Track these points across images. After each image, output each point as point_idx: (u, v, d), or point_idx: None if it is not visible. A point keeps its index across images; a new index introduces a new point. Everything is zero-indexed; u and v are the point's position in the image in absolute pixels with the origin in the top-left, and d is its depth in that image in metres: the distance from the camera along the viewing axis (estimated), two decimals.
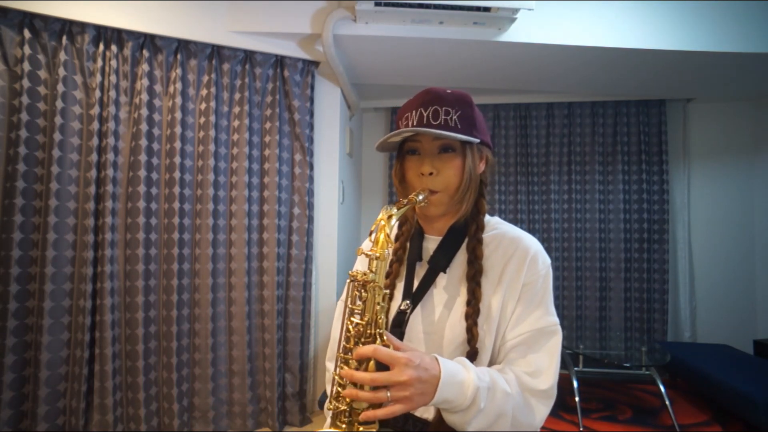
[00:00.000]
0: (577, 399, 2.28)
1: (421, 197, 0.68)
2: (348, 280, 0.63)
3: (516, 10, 1.91)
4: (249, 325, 2.22)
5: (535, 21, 2.12)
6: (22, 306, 1.80)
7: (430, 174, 0.70)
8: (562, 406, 2.46)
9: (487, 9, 1.90)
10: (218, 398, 2.17)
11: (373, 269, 0.61)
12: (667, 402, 2.23)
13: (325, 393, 0.86)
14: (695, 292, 3.15)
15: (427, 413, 0.70)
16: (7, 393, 1.76)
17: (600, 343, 2.76)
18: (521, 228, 0.78)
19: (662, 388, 2.24)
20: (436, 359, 0.59)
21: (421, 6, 1.90)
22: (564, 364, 2.57)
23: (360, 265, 0.85)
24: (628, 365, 2.29)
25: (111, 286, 1.93)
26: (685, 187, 3.18)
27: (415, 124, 0.70)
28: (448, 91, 0.71)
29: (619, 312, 3.12)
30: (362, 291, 0.61)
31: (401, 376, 0.54)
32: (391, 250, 0.63)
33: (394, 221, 0.64)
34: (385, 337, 0.60)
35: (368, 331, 0.60)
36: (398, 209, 0.65)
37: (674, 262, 3.15)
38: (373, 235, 0.63)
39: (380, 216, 0.63)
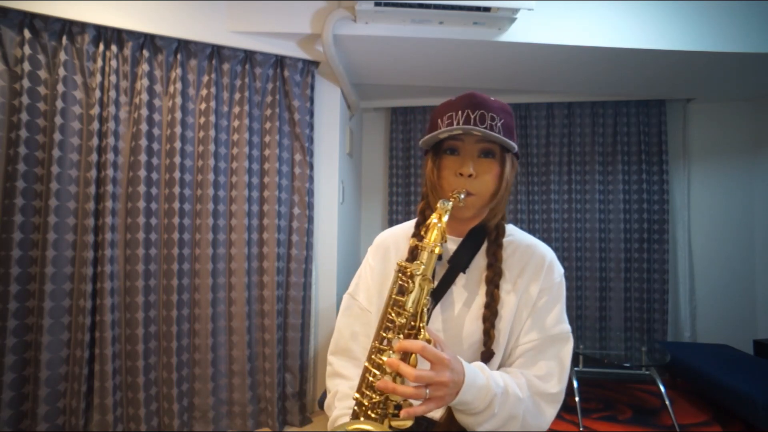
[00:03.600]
0: (577, 399, 2.28)
1: (462, 196, 0.69)
2: (396, 269, 0.63)
3: (516, 10, 1.91)
4: (249, 325, 2.22)
5: (535, 21, 2.12)
6: (22, 306, 1.80)
7: (470, 176, 0.70)
8: (563, 406, 2.45)
9: (487, 9, 1.90)
10: (218, 398, 2.17)
11: (424, 261, 0.60)
12: (667, 402, 2.23)
13: (325, 393, 0.86)
14: (695, 292, 3.15)
15: (436, 412, 0.71)
16: (7, 393, 1.76)
17: (600, 343, 2.75)
18: (521, 228, 0.80)
19: (662, 388, 2.24)
20: (461, 362, 0.60)
21: (421, 6, 1.90)
22: None
23: (374, 265, 0.84)
24: (628, 365, 2.29)
25: (111, 286, 1.93)
26: (685, 187, 3.18)
27: (461, 124, 0.70)
28: (493, 99, 0.73)
29: (619, 312, 3.12)
30: (409, 282, 0.60)
31: (442, 376, 0.55)
32: (442, 245, 0.63)
33: (446, 218, 0.64)
34: (427, 333, 0.60)
35: (412, 323, 0.60)
36: (447, 209, 0.65)
37: (674, 262, 3.15)
38: (429, 229, 0.63)
39: (438, 207, 0.64)
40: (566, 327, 0.72)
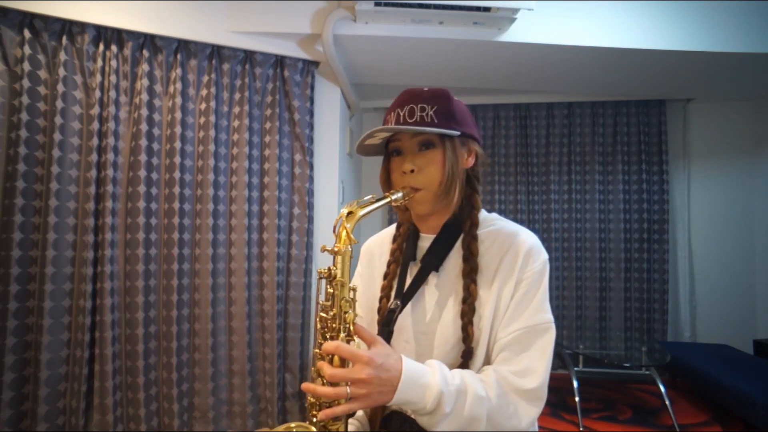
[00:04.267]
0: (577, 399, 2.28)
1: (397, 195, 0.68)
2: (317, 278, 0.65)
3: (516, 10, 1.91)
4: (249, 325, 2.22)
5: (535, 21, 2.12)
6: (22, 306, 1.80)
7: (411, 171, 0.69)
8: (562, 406, 2.46)
9: (487, 9, 1.90)
10: (218, 398, 2.17)
11: (336, 265, 0.62)
12: (667, 402, 2.23)
13: None
14: (695, 292, 3.15)
15: None
16: (7, 393, 1.76)
17: (600, 343, 2.76)
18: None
19: (662, 388, 2.24)
20: (401, 360, 0.59)
21: (421, 6, 1.90)
22: (564, 364, 2.57)
23: (362, 271, 0.86)
24: (628, 365, 2.30)
25: (111, 286, 1.93)
26: (685, 187, 3.18)
27: (392, 124, 0.70)
28: (425, 89, 0.71)
29: (619, 312, 3.12)
30: (328, 287, 0.63)
31: (360, 373, 0.54)
32: (351, 246, 0.63)
33: (363, 214, 0.64)
34: (351, 331, 0.61)
35: (333, 326, 0.62)
36: (363, 207, 0.64)
37: (674, 262, 3.15)
38: (336, 231, 0.63)
39: (341, 212, 0.64)
40: (547, 316, 0.68)
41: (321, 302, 0.64)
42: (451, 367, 0.67)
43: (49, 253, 1.82)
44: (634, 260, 3.13)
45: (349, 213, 0.63)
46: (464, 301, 0.68)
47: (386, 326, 0.72)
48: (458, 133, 0.69)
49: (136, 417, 1.98)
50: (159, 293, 2.09)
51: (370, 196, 0.67)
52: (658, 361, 2.29)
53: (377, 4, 1.88)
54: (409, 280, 0.75)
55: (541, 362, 0.65)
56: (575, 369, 2.45)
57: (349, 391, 0.55)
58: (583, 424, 2.23)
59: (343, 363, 0.58)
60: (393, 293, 0.76)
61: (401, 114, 0.70)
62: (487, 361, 0.69)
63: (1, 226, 1.77)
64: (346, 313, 0.62)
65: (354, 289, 0.64)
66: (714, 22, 2.18)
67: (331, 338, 0.61)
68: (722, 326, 3.09)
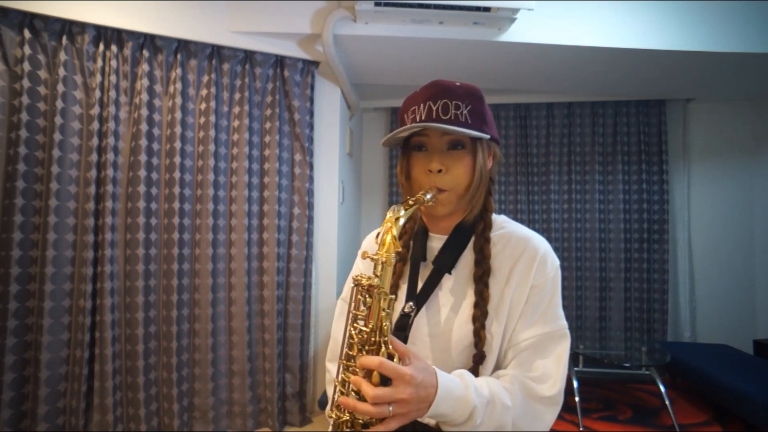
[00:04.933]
0: (577, 399, 2.28)
1: (429, 196, 0.65)
2: (351, 285, 0.61)
3: (516, 10, 1.91)
4: (249, 325, 2.22)
5: (535, 21, 2.12)
6: (22, 306, 1.80)
7: (439, 171, 0.66)
8: (563, 406, 2.45)
9: (487, 9, 1.90)
10: (218, 398, 2.17)
11: (379, 273, 0.58)
12: (667, 402, 2.23)
13: (325, 393, 0.85)
14: (695, 292, 3.15)
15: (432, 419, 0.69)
16: (7, 393, 1.76)
17: (600, 343, 2.76)
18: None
19: (662, 388, 2.24)
20: (436, 374, 0.57)
21: (421, 6, 1.90)
22: None
23: (363, 268, 0.82)
24: (628, 365, 2.30)
25: (111, 286, 1.93)
26: (685, 187, 3.18)
27: (423, 118, 0.66)
28: (458, 83, 0.68)
29: (619, 312, 3.12)
30: (367, 296, 0.58)
31: (403, 393, 0.53)
32: (395, 254, 0.60)
33: (402, 222, 0.60)
34: (390, 345, 0.57)
35: (372, 339, 0.57)
36: (405, 210, 0.61)
37: (674, 262, 3.15)
38: (380, 238, 0.59)
39: (388, 217, 0.60)
40: (562, 323, 0.67)
41: (354, 311, 0.60)
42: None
43: (49, 253, 1.82)
44: (634, 260, 3.13)
45: (396, 219, 0.60)
46: (476, 305, 0.67)
47: (401, 330, 0.70)
48: (488, 137, 0.68)
49: (136, 417, 1.98)
50: (159, 293, 2.09)
51: (405, 200, 0.64)
52: (658, 361, 2.29)
53: (377, 4, 1.88)
54: (420, 282, 0.73)
55: (558, 369, 0.65)
56: (575, 369, 2.45)
57: (391, 410, 0.52)
58: (583, 424, 2.23)
59: (384, 379, 0.55)
60: (402, 294, 0.74)
61: (434, 108, 0.66)
62: (498, 366, 0.68)
63: (1, 226, 1.78)
64: (385, 325, 0.57)
65: (393, 300, 0.59)
66: (714, 22, 2.18)
67: (369, 352, 0.57)
68: (722, 326, 3.09)
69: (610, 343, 2.79)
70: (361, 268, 0.84)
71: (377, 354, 0.57)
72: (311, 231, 2.36)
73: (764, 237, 3.04)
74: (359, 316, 0.59)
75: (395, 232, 0.59)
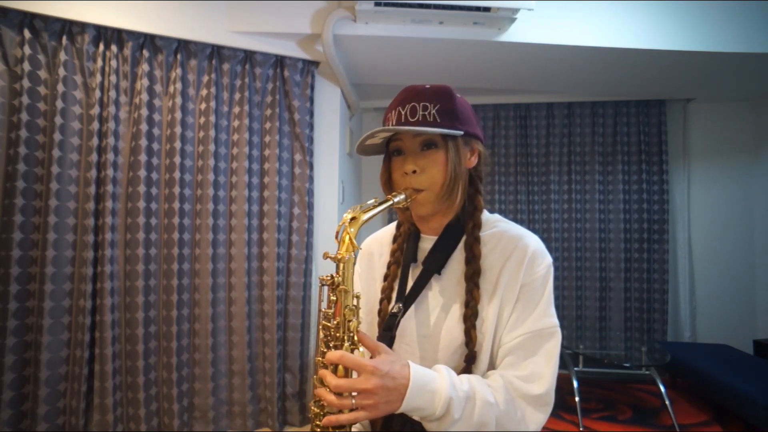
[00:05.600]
0: (577, 399, 2.28)
1: (400, 197, 0.67)
2: (319, 285, 0.63)
3: (516, 10, 1.91)
4: (249, 325, 2.22)
5: (535, 21, 2.12)
6: (22, 306, 1.80)
7: (414, 172, 0.68)
8: (562, 406, 2.46)
9: (487, 9, 1.90)
10: (218, 398, 2.17)
11: (340, 272, 0.60)
12: (667, 402, 2.23)
13: None
14: (695, 292, 3.15)
15: None
16: (7, 393, 1.76)
17: (600, 343, 2.76)
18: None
19: (662, 388, 2.24)
20: (408, 366, 0.58)
21: (421, 6, 1.90)
22: (564, 364, 2.57)
23: (360, 281, 0.84)
24: (628, 365, 2.30)
25: (111, 286, 1.93)
26: (685, 187, 3.18)
27: (394, 123, 0.69)
28: (428, 86, 0.69)
29: (619, 312, 3.12)
30: (330, 294, 0.61)
31: (366, 383, 0.54)
32: (355, 253, 0.62)
33: (366, 218, 0.62)
34: (355, 340, 0.60)
35: (337, 335, 0.60)
36: (366, 211, 0.63)
37: (674, 262, 3.15)
38: (338, 237, 0.61)
39: (344, 217, 0.62)
40: (552, 321, 0.67)
41: (323, 310, 0.62)
42: (455, 371, 0.66)
43: (49, 253, 1.82)
44: (634, 260, 3.13)
45: (353, 218, 0.61)
46: (467, 304, 0.67)
47: (388, 331, 0.70)
48: (461, 132, 0.68)
49: (136, 417, 1.98)
50: (159, 293, 2.09)
51: (372, 200, 0.65)
52: (658, 361, 2.29)
53: (377, 4, 1.88)
54: (410, 283, 0.73)
55: (548, 367, 0.64)
56: (575, 369, 2.45)
57: (354, 401, 0.54)
58: (583, 424, 2.23)
59: (348, 372, 0.57)
60: (394, 295, 0.74)
61: (402, 113, 0.68)
62: (491, 365, 0.68)
63: (1, 226, 1.77)
64: (349, 321, 0.60)
65: (358, 297, 0.62)
66: (714, 22, 2.18)
67: (335, 347, 0.60)
68: (722, 326, 3.09)
69: (610, 343, 2.79)
70: (360, 272, 0.85)
71: (341, 348, 0.59)
72: (311, 231, 2.36)
73: (764, 237, 3.04)
74: (328, 314, 0.62)
75: (351, 231, 0.61)
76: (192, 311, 2.15)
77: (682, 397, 2.63)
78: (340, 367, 0.57)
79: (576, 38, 2.16)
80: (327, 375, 0.56)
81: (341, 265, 0.60)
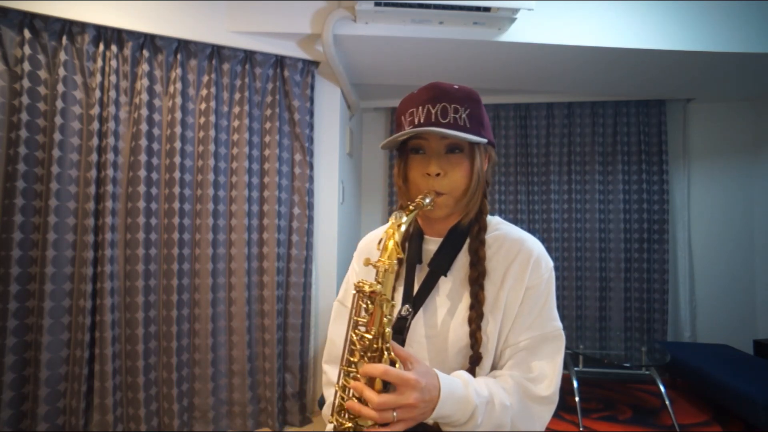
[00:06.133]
0: (577, 399, 2.28)
1: (428, 200, 0.66)
2: (353, 291, 0.60)
3: (516, 10, 1.91)
4: (249, 325, 2.22)
5: (535, 21, 2.12)
6: (22, 306, 1.80)
7: (437, 175, 0.67)
8: (562, 406, 2.46)
9: (487, 9, 1.90)
10: (218, 398, 2.17)
11: (381, 280, 0.58)
12: (667, 402, 2.23)
13: (324, 393, 0.85)
14: (695, 292, 3.15)
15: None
16: (7, 393, 1.76)
17: (600, 343, 2.76)
18: (521, 228, 0.76)
19: (662, 388, 2.24)
20: (437, 376, 0.58)
21: (421, 6, 1.90)
22: (564, 364, 2.57)
23: (360, 273, 0.83)
24: (628, 365, 2.30)
25: (111, 286, 1.93)
26: (685, 187, 3.18)
27: (422, 121, 0.66)
28: (456, 86, 0.68)
29: (619, 312, 3.12)
30: (368, 303, 0.58)
31: (409, 399, 0.53)
32: (397, 260, 0.60)
33: (404, 228, 0.61)
34: (392, 352, 0.57)
35: (375, 346, 0.57)
36: (407, 215, 0.61)
37: (674, 262, 3.15)
38: (382, 244, 0.60)
39: (390, 223, 0.60)
40: (557, 324, 0.69)
41: (355, 317, 0.60)
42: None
43: (49, 253, 1.82)
44: (634, 260, 3.13)
45: (399, 225, 0.60)
46: (472, 307, 0.67)
47: (399, 334, 0.70)
48: (486, 140, 0.68)
49: (136, 417, 1.98)
50: (159, 293, 2.09)
51: (403, 206, 0.65)
52: (658, 361, 2.29)
53: (377, 4, 1.88)
54: (416, 284, 0.73)
55: (553, 369, 0.66)
56: (575, 369, 2.45)
57: (395, 415, 0.53)
58: (583, 424, 2.23)
59: (386, 384, 0.55)
60: (398, 296, 0.74)
61: (433, 111, 0.65)
62: (494, 366, 0.69)
63: (1, 226, 1.77)
64: (387, 332, 0.57)
65: (393, 306, 0.60)
66: (714, 22, 2.18)
67: (371, 359, 0.57)
68: (722, 326, 3.09)
69: (610, 343, 2.79)
70: (358, 271, 0.85)
71: (379, 360, 0.57)
72: (311, 231, 2.36)
73: (764, 237, 3.04)
74: (360, 323, 0.59)
75: (398, 238, 0.59)
76: (192, 311, 2.15)
77: (682, 397, 2.63)
78: (378, 381, 0.55)
79: (576, 38, 2.16)
80: (366, 390, 0.54)
81: (382, 272, 0.58)
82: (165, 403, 2.07)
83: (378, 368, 0.54)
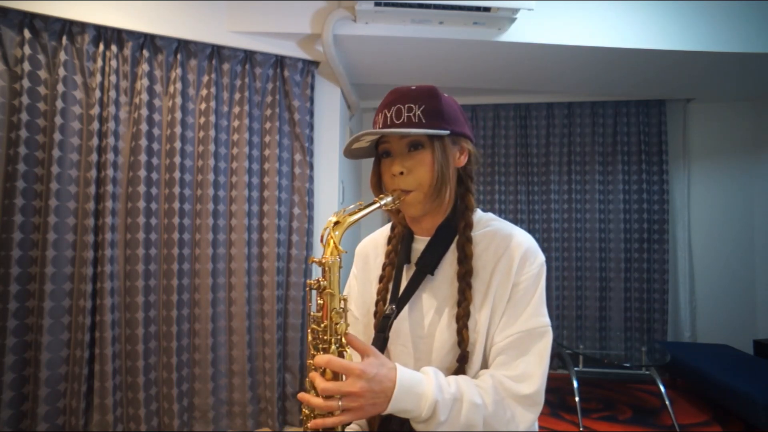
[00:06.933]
0: (577, 399, 2.28)
1: (387, 200, 0.67)
2: (307, 289, 0.64)
3: (516, 10, 1.91)
4: (249, 325, 2.22)
5: (535, 21, 2.12)
6: (22, 306, 1.80)
7: (401, 173, 0.68)
8: (562, 406, 2.46)
9: (487, 9, 1.90)
10: (218, 398, 2.17)
11: (326, 275, 0.61)
12: (667, 402, 2.23)
13: None
14: (695, 292, 3.15)
15: None
16: (7, 393, 1.76)
17: (600, 343, 2.76)
18: (521, 228, 0.75)
19: (662, 388, 2.24)
20: (395, 369, 0.58)
21: (421, 6, 1.90)
22: (564, 364, 2.57)
23: (356, 283, 0.85)
24: (628, 365, 2.30)
25: (111, 286, 1.93)
26: (685, 187, 3.18)
27: (380, 126, 0.69)
28: (413, 87, 0.69)
29: (619, 312, 3.12)
30: (318, 298, 0.62)
31: (352, 386, 0.54)
32: (340, 257, 0.62)
33: (351, 221, 0.62)
34: (342, 343, 0.60)
35: (324, 338, 0.60)
36: (352, 214, 0.63)
37: (674, 262, 3.15)
38: (323, 241, 0.62)
39: (328, 220, 0.62)
40: (544, 320, 0.66)
41: (312, 313, 0.63)
42: (448, 371, 0.66)
43: (49, 253, 1.82)
44: (634, 260, 3.13)
45: (336, 222, 0.62)
46: (459, 304, 0.67)
47: (381, 332, 0.71)
48: (446, 132, 0.67)
49: (136, 417, 1.98)
50: (159, 293, 2.09)
51: (357, 203, 0.66)
52: (658, 361, 2.29)
53: (377, 4, 1.88)
54: (404, 284, 0.73)
55: (538, 367, 0.64)
56: (575, 369, 2.45)
57: (341, 404, 0.55)
58: (583, 424, 2.23)
59: (338, 375, 0.58)
60: (389, 297, 0.75)
61: (388, 115, 0.68)
62: (484, 365, 0.68)
63: (1, 226, 1.77)
64: (337, 324, 0.61)
65: (345, 300, 0.62)
66: (714, 22, 2.18)
67: (323, 350, 0.61)
68: (722, 326, 3.09)
69: (610, 343, 2.79)
70: (356, 273, 0.86)
71: (329, 351, 0.60)
72: (311, 231, 2.36)
73: (764, 237, 3.04)
74: (317, 318, 0.62)
75: (335, 235, 0.61)
76: (192, 311, 2.15)
77: (682, 397, 2.63)
78: (328, 370, 0.57)
79: (576, 38, 2.16)
80: (316, 378, 0.57)
81: (326, 268, 0.61)
82: (165, 403, 2.07)
83: (323, 358, 0.57)
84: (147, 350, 2.03)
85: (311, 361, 0.60)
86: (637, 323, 3.09)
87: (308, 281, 0.63)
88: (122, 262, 2.00)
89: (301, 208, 2.34)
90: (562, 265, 3.19)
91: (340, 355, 0.60)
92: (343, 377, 0.57)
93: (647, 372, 2.43)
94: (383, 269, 0.78)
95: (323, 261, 0.61)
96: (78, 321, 1.89)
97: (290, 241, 2.32)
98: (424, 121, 0.66)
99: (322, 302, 0.61)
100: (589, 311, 3.16)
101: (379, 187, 0.74)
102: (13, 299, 1.77)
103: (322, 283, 0.61)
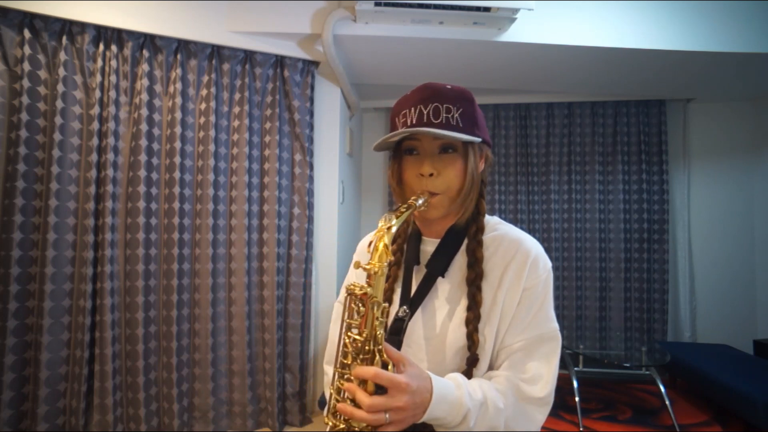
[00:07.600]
0: (577, 399, 2.28)
1: (420, 201, 0.65)
2: (344, 294, 0.61)
3: (516, 10, 1.91)
4: (249, 325, 2.22)
5: (535, 21, 2.12)
6: (22, 306, 1.80)
7: (431, 175, 0.67)
8: (562, 406, 2.46)
9: (487, 9, 1.90)
10: (218, 398, 2.17)
11: (372, 283, 0.58)
12: (667, 402, 2.23)
13: (324, 393, 0.85)
14: (695, 292, 3.15)
15: None
16: (7, 393, 1.76)
17: (600, 343, 2.76)
18: (521, 228, 0.76)
19: (662, 388, 2.24)
20: (430, 379, 0.58)
21: (421, 6, 1.90)
22: (564, 364, 2.57)
23: (355, 277, 0.82)
24: (628, 365, 2.30)
25: (111, 286, 1.93)
26: (685, 187, 3.18)
27: (414, 122, 0.66)
28: (448, 86, 0.68)
29: (619, 312, 3.12)
30: (360, 305, 0.59)
31: (399, 401, 0.54)
32: (387, 263, 0.60)
33: (394, 230, 0.60)
34: (384, 354, 0.58)
35: (366, 348, 0.58)
36: (397, 217, 0.61)
37: (674, 262, 3.15)
38: (371, 246, 0.59)
39: (379, 226, 0.60)
40: (554, 325, 0.68)
41: (347, 320, 0.60)
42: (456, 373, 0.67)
43: (49, 253, 1.82)
44: (634, 260, 3.13)
45: (388, 228, 0.59)
46: (469, 308, 0.67)
47: (395, 335, 0.70)
48: (480, 140, 0.68)
49: (136, 417, 1.98)
50: (159, 293, 2.09)
51: (396, 207, 0.64)
52: (658, 361, 2.29)
53: (377, 4, 1.88)
54: (413, 285, 0.73)
55: (549, 370, 0.66)
56: (575, 369, 2.45)
57: (387, 417, 0.54)
58: (583, 424, 2.23)
59: (378, 386, 0.56)
60: (396, 297, 0.74)
61: (425, 112, 0.66)
62: (491, 367, 0.69)
63: (1, 226, 1.77)
64: (378, 333, 0.58)
65: (386, 308, 0.60)
66: (714, 22, 2.18)
67: (363, 361, 0.57)
68: (722, 326, 3.09)
69: (610, 343, 2.79)
70: (357, 272, 0.84)
71: (372, 362, 0.57)
72: (311, 231, 2.36)
73: (764, 237, 3.04)
74: (353, 325, 0.59)
75: (387, 240, 0.59)
76: (192, 311, 2.15)
77: (682, 397, 2.63)
78: (370, 383, 0.55)
79: (576, 38, 2.16)
80: (358, 392, 0.54)
81: (373, 275, 0.58)
82: (165, 403, 2.07)
83: (369, 371, 0.55)
84: (147, 350, 2.03)
85: (342, 370, 0.58)
86: (637, 323, 3.09)
87: (347, 286, 0.59)
88: (122, 262, 2.00)
89: (301, 208, 2.34)
90: (562, 265, 3.19)
91: (384, 366, 0.57)
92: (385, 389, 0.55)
93: (647, 372, 2.43)
94: (388, 268, 0.78)
95: (372, 268, 0.58)
96: (78, 321, 1.89)
97: (290, 241, 2.33)
98: (461, 125, 0.66)
99: (363, 309, 0.58)
100: (589, 311, 3.16)
101: (401, 184, 0.72)
102: (13, 299, 1.77)
103: (367, 290, 0.57)
